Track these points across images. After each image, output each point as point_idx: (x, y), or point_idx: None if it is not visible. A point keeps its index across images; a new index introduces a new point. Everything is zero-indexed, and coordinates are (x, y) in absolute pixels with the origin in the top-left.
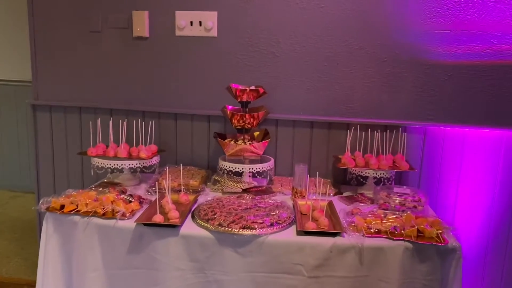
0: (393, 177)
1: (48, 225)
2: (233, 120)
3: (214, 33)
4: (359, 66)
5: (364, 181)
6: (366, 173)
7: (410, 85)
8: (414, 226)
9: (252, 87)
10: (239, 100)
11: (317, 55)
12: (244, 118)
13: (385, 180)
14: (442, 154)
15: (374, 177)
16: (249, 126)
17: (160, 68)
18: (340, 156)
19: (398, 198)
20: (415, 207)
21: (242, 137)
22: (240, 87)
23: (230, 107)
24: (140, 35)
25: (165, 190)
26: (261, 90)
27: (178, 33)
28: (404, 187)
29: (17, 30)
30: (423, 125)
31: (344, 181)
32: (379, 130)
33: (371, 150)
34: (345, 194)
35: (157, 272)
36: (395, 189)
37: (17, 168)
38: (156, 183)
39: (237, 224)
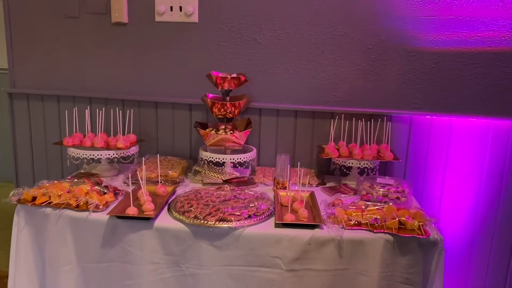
0: (377, 168)
1: (19, 218)
2: (214, 109)
3: (195, 18)
4: (344, 53)
5: (348, 172)
6: (349, 163)
7: (396, 73)
8: (395, 218)
9: (234, 75)
10: (220, 88)
11: (301, 41)
12: (225, 107)
13: (369, 171)
14: (428, 144)
15: (358, 168)
16: (231, 115)
17: (140, 55)
18: (324, 146)
19: (381, 189)
20: (398, 198)
21: (223, 127)
22: (221, 75)
23: (210, 95)
24: (119, 20)
25: (142, 181)
26: (242, 78)
27: (158, 18)
28: (388, 177)
29: None
30: (409, 114)
31: (328, 172)
32: (363, 119)
33: (355, 139)
34: (328, 185)
35: (131, 266)
36: (379, 180)
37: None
38: (131, 174)
39: (213, 216)
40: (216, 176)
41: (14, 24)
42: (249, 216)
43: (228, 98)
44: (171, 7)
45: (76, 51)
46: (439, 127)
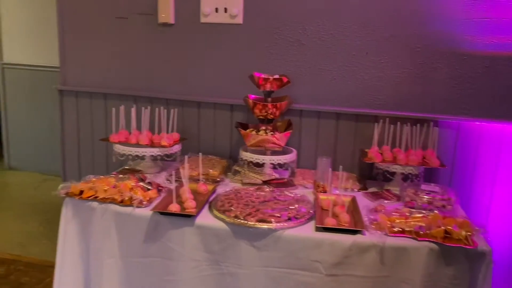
0: (422, 174)
1: (67, 210)
2: (255, 110)
3: (239, 20)
4: (389, 56)
5: (391, 177)
6: (393, 168)
7: (444, 77)
8: (441, 227)
9: (276, 76)
10: (262, 89)
11: (345, 43)
12: (267, 108)
13: (413, 177)
14: (476, 152)
15: (402, 173)
16: (272, 116)
17: (184, 55)
18: (366, 150)
19: (426, 196)
20: (443, 206)
21: (264, 128)
22: (263, 76)
23: (252, 96)
24: (165, 21)
25: (184, 179)
26: (285, 79)
27: (203, 19)
28: (433, 184)
29: (45, 16)
30: (457, 119)
31: (370, 176)
32: (409, 124)
33: (400, 144)
34: (370, 190)
35: (172, 262)
36: (423, 187)
37: (49, 152)
38: (175, 171)
39: (253, 216)
40: (256, 176)
41: (66, 24)
42: (289, 219)
43: (269, 99)
44: (216, 9)
45: (124, 51)
46: (488, 134)
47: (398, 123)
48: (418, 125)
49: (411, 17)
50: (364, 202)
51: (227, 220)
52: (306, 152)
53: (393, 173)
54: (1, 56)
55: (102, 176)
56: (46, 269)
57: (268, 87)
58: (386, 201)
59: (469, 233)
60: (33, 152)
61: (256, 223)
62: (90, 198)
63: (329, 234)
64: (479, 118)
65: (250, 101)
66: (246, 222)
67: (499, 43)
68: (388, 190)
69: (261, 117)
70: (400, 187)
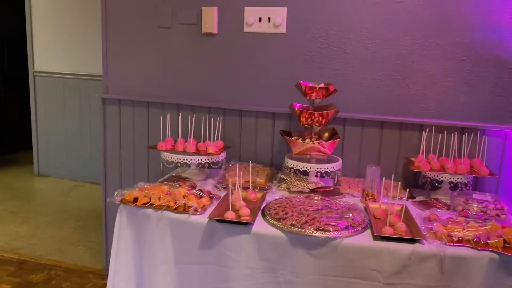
0: (471, 183)
1: (121, 217)
2: (301, 118)
3: (282, 29)
4: (435, 65)
5: (438, 186)
6: (441, 177)
7: (491, 86)
8: (501, 236)
9: (322, 85)
10: (308, 97)
11: (390, 52)
12: (313, 117)
13: (462, 186)
14: None
15: (450, 182)
16: (317, 124)
17: (227, 64)
18: (412, 159)
19: (479, 205)
20: (498, 215)
21: (309, 136)
22: (310, 85)
23: (298, 104)
24: (209, 31)
25: (234, 186)
26: (332, 88)
27: (246, 29)
28: (486, 194)
29: (88, 25)
30: (504, 128)
31: (414, 185)
32: (456, 133)
33: (445, 153)
34: (418, 198)
35: (227, 269)
36: (474, 196)
37: (79, 159)
38: (220, 179)
39: (310, 225)
40: (302, 185)
41: (110, 34)
42: (346, 227)
43: (315, 107)
44: (260, 18)
45: (167, 60)
46: None
47: (445, 132)
48: (466, 134)
49: (457, 25)
50: (415, 211)
51: (284, 228)
52: (349, 160)
53: (440, 182)
54: (32, 64)
55: (153, 184)
56: (86, 275)
57: (314, 95)
58: (438, 210)
59: None
60: (63, 159)
61: (314, 232)
62: (145, 206)
63: (388, 243)
64: None
65: (297, 109)
66: (303, 230)
67: None
68: (436, 199)
69: (306, 125)
70: (450, 196)
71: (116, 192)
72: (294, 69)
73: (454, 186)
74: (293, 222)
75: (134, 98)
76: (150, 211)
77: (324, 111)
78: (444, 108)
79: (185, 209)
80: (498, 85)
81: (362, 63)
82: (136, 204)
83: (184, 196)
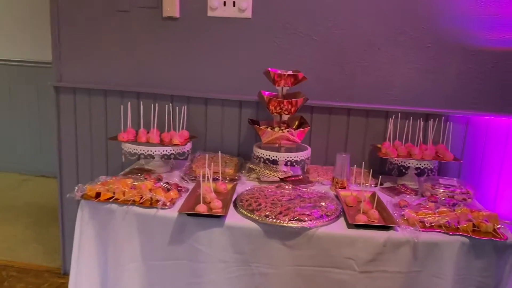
0: (436, 168)
1: (83, 214)
2: (270, 106)
3: (248, 14)
4: (401, 52)
5: (405, 172)
6: (408, 163)
7: (454, 72)
8: (471, 221)
9: (290, 72)
10: (277, 85)
11: (357, 39)
12: (282, 105)
13: (429, 171)
14: (484, 145)
15: (416, 168)
16: (286, 113)
17: (190, 50)
18: (379, 145)
19: (445, 190)
20: (464, 199)
21: (278, 124)
22: (279, 72)
23: (266, 92)
24: (170, 15)
25: (203, 178)
26: (300, 75)
27: (210, 13)
28: (452, 178)
29: (34, 7)
30: (466, 114)
31: (381, 171)
32: (421, 119)
33: (411, 139)
34: (385, 185)
35: (199, 264)
36: (441, 181)
37: (27, 151)
38: (186, 171)
39: (285, 215)
40: (272, 174)
41: (62, 17)
42: (321, 216)
43: (283, 95)
44: (224, 2)
45: (126, 45)
46: (496, 129)
47: (411, 118)
48: (431, 120)
49: (423, 12)
50: (384, 198)
51: (258, 220)
52: (317, 148)
53: (407, 168)
54: None
55: (115, 177)
56: (42, 274)
57: (282, 83)
58: (407, 196)
59: (497, 226)
60: (9, 152)
61: (289, 222)
62: (109, 201)
63: (362, 231)
64: (487, 112)
65: (265, 97)
66: (278, 221)
67: (508, 39)
68: (403, 185)
69: (275, 113)
70: (417, 181)
71: (76, 187)
72: (261, 56)
73: (420, 172)
74: (267, 213)
75: (91, 86)
76: (114, 206)
77: (293, 99)
78: (409, 95)
79: (152, 204)
80: (460, 71)
81: (329, 50)
82: (99, 200)
83: (150, 190)
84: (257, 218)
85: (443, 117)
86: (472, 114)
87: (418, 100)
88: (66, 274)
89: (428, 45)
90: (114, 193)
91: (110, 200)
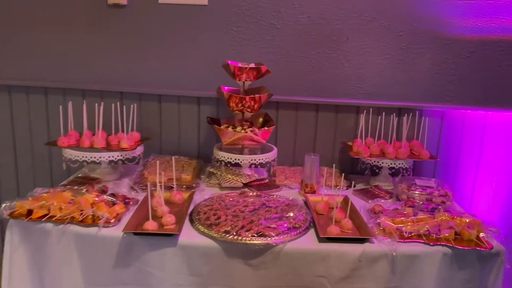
0: (412, 167)
1: (12, 235)
2: (231, 103)
3: (204, 1)
4: (371, 41)
5: (378, 171)
6: (381, 163)
7: (428, 63)
8: (452, 228)
9: (252, 65)
10: (237, 79)
11: (324, 27)
12: (244, 101)
13: (404, 171)
14: (460, 140)
15: (390, 168)
16: (249, 110)
17: (140, 41)
18: (349, 143)
19: (422, 192)
20: (443, 202)
21: (240, 123)
22: (239, 65)
23: (226, 88)
24: (117, 2)
25: (154, 187)
26: (264, 69)
27: (161, 0)
28: (429, 179)
29: None
30: (441, 107)
31: (352, 171)
32: (394, 114)
33: (385, 136)
34: (358, 186)
35: None
36: (418, 182)
37: None
38: (138, 178)
39: (248, 230)
40: (235, 179)
41: None
42: (289, 229)
43: (245, 91)
44: None
45: (67, 37)
46: (473, 122)
47: (383, 113)
48: (405, 114)
49: None
50: (357, 202)
51: (217, 237)
52: (284, 147)
53: (380, 167)
54: None
55: (52, 189)
56: None
57: (244, 77)
58: (382, 200)
59: (481, 234)
60: None
61: (252, 239)
62: (42, 220)
63: (335, 245)
64: (462, 105)
65: (225, 93)
66: (240, 238)
67: (484, 26)
68: (377, 186)
69: (237, 111)
70: (392, 182)
71: (3, 204)
72: (220, 47)
73: (394, 171)
74: (228, 228)
75: (29, 84)
76: (49, 225)
77: (256, 95)
78: (381, 88)
79: (94, 221)
80: (434, 62)
81: (295, 39)
82: (31, 218)
83: (92, 205)
84: (215, 235)
85: (417, 112)
86: (447, 108)
87: (390, 94)
88: None
89: (400, 34)
90: (49, 209)
91: (44, 219)
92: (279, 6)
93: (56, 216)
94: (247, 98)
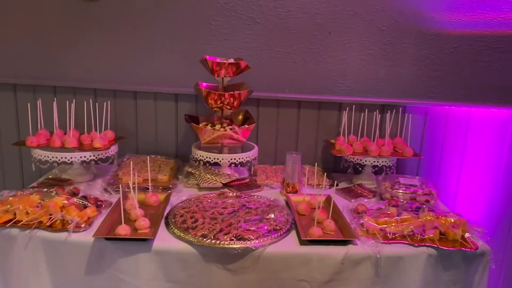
0: (395, 165)
1: None
2: (209, 100)
3: None
4: (354, 36)
5: (361, 169)
6: (364, 161)
7: (411, 58)
8: (437, 228)
9: (231, 60)
10: (215, 75)
11: (305, 22)
12: (223, 98)
13: (387, 169)
14: (444, 137)
15: (373, 166)
16: (229, 107)
17: (114, 35)
18: (332, 141)
19: (406, 191)
20: (427, 201)
21: (219, 121)
22: (218, 60)
23: (204, 84)
24: None
25: (128, 188)
26: (243, 64)
27: None
28: (412, 177)
29: None
30: (425, 103)
31: (335, 169)
32: (377, 111)
33: (367, 133)
34: (341, 185)
35: None
36: (401, 180)
37: None
38: (112, 179)
39: (226, 234)
40: (214, 179)
41: None
42: (269, 232)
43: (224, 87)
44: None
45: (36, 31)
46: (456, 118)
47: (366, 110)
48: (388, 111)
49: None
50: (340, 201)
51: (194, 241)
52: (265, 145)
53: (363, 166)
54: None
55: (20, 192)
56: None
57: (223, 73)
58: (365, 200)
59: (466, 234)
60: None
61: (231, 243)
62: (8, 225)
63: (317, 247)
64: (446, 101)
65: (203, 90)
66: (218, 242)
67: (468, 21)
68: (360, 185)
69: (216, 108)
70: (375, 181)
71: None
72: (198, 41)
73: (378, 170)
74: (205, 232)
75: None
76: (15, 231)
77: (236, 92)
78: (364, 84)
79: (63, 226)
80: (417, 57)
81: (275, 34)
82: None
83: (62, 208)
84: (192, 239)
85: (400, 108)
86: (431, 104)
87: (373, 90)
88: None
89: (383, 28)
90: (15, 214)
91: (9, 224)
92: None
93: (22, 221)
94: (226, 95)
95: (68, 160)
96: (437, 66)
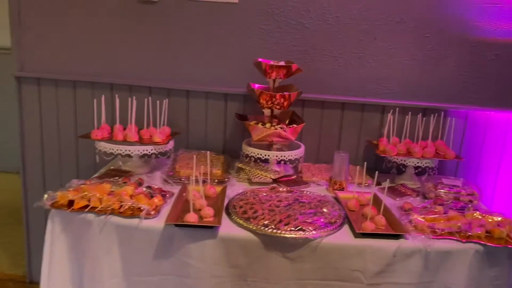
0: (437, 167)
1: (54, 225)
2: (261, 100)
3: None
4: (398, 42)
5: (404, 170)
6: (407, 162)
7: (453, 64)
8: (483, 226)
9: (282, 63)
10: (268, 77)
11: (352, 27)
12: (274, 99)
13: (429, 170)
14: (483, 141)
15: (416, 167)
16: (278, 107)
17: (170, 38)
18: (375, 142)
19: (450, 191)
20: (470, 201)
21: (269, 120)
22: (271, 63)
23: (256, 85)
24: None
25: (188, 180)
26: (294, 67)
27: None
28: (457, 178)
29: None
30: (466, 108)
31: (376, 169)
32: (421, 114)
33: (411, 135)
34: (383, 184)
35: (189, 280)
36: (444, 181)
37: None
38: (169, 172)
39: (286, 224)
40: (264, 174)
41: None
42: (325, 225)
43: (275, 88)
44: None
45: (96, 32)
46: (495, 123)
47: (410, 113)
48: (431, 115)
49: (421, 1)
50: (386, 200)
51: (256, 230)
52: (309, 144)
53: (405, 166)
54: None
55: (88, 181)
56: (5, 284)
57: (274, 75)
58: (410, 198)
59: (511, 232)
60: None
61: (292, 233)
62: (84, 210)
63: (370, 240)
64: (486, 107)
65: (256, 90)
66: (279, 231)
67: (510, 30)
68: (403, 185)
69: (267, 108)
70: (419, 181)
71: (46, 195)
72: (248, 44)
73: (420, 171)
74: (266, 222)
75: (58, 77)
76: (90, 216)
77: (286, 93)
78: (406, 88)
79: (134, 213)
80: (460, 64)
81: (323, 39)
82: (73, 209)
83: (131, 196)
84: (254, 228)
85: (442, 112)
86: (472, 109)
87: (415, 94)
88: (32, 283)
89: (427, 35)
90: (89, 200)
91: (86, 210)
92: (308, 5)
93: (97, 207)
94: (278, 95)
95: (131, 153)
96: (478, 73)
